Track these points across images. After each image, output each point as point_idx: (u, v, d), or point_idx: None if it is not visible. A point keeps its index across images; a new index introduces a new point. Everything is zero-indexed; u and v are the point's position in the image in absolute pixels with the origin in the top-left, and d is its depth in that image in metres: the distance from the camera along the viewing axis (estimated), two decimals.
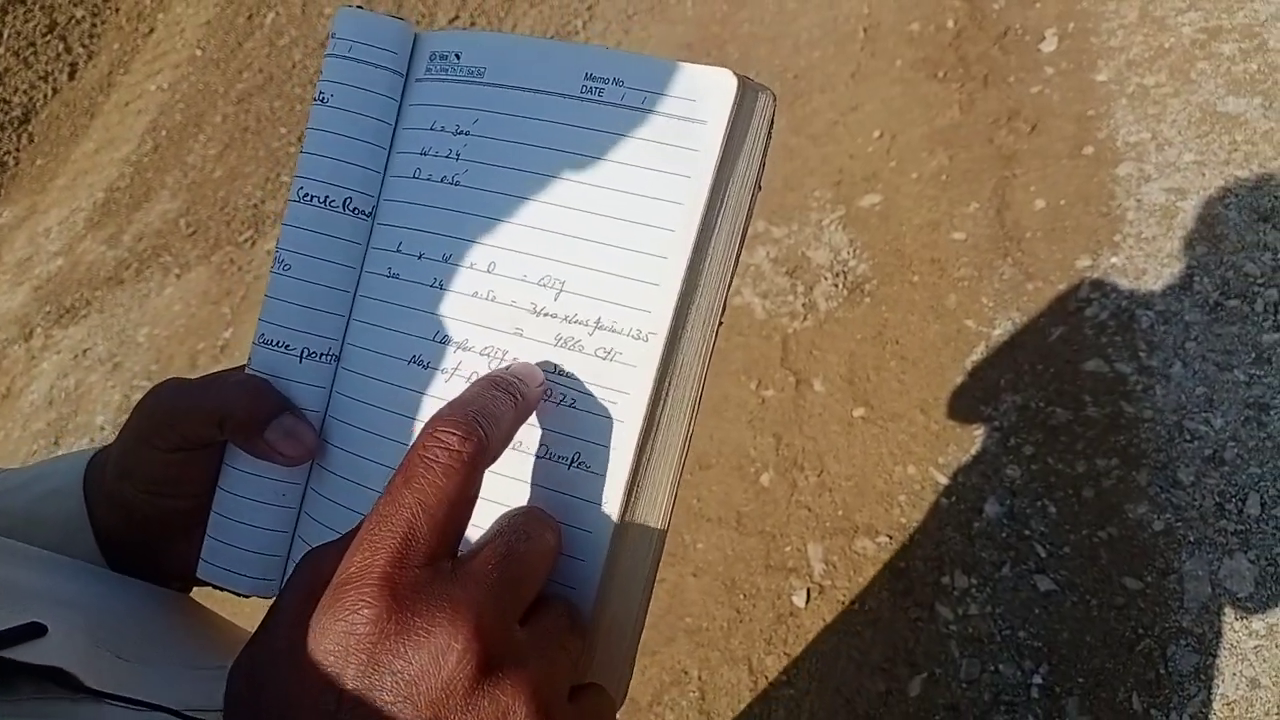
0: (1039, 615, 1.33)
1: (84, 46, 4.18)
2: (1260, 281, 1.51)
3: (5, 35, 4.19)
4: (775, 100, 0.35)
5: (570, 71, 0.36)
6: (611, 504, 0.34)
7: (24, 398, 2.72)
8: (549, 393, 0.35)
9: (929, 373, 1.67)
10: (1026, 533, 1.41)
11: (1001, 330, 1.66)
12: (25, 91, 4.05)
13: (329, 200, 0.39)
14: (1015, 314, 1.67)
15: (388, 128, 0.40)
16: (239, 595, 0.42)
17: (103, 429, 2.47)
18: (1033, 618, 1.33)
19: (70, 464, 0.46)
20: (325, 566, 0.31)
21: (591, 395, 0.35)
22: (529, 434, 0.35)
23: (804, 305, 1.86)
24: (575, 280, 0.35)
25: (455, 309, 0.37)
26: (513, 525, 0.31)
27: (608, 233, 0.35)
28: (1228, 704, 1.18)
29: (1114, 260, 1.65)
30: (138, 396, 2.47)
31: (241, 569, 0.41)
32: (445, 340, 0.37)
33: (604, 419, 0.35)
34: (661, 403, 0.35)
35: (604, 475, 0.35)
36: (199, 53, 3.75)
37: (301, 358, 0.40)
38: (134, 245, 3.04)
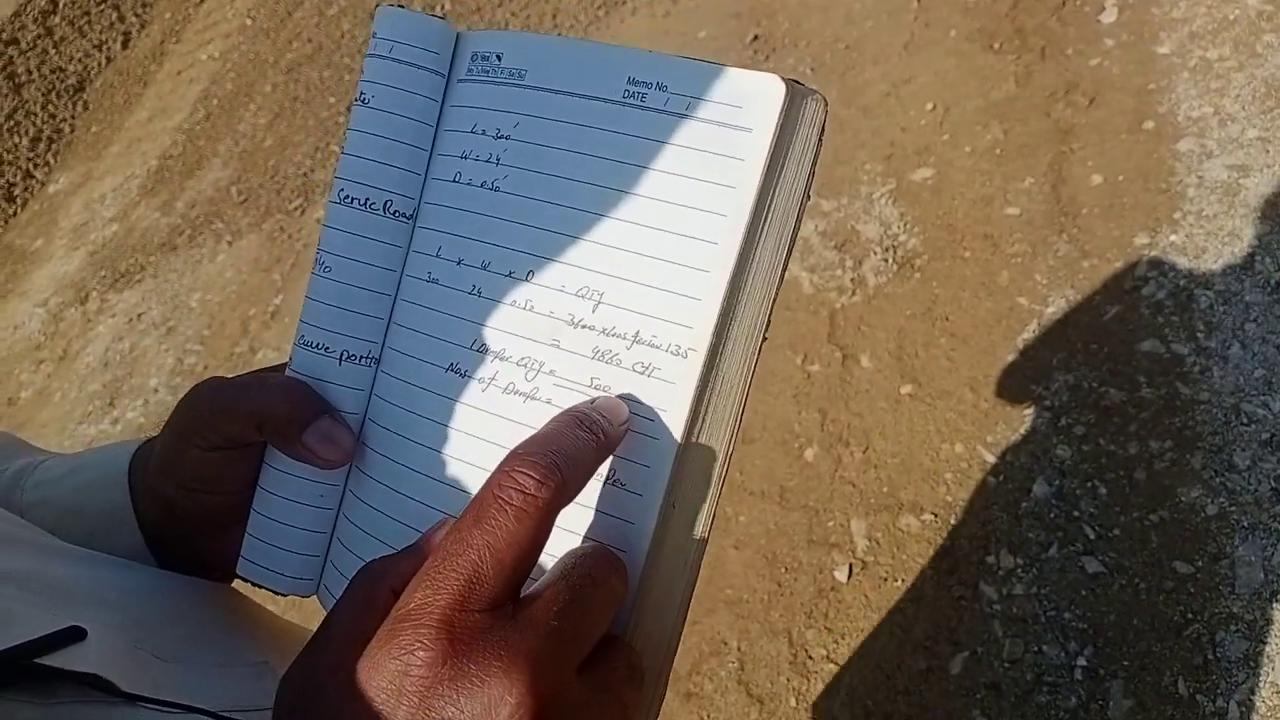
0: (1085, 597, 1.32)
1: (137, 15, 4.23)
2: None
3: (61, 4, 4.25)
4: (827, 105, 0.34)
5: (612, 75, 0.35)
6: (647, 523, 0.34)
7: (80, 360, 2.79)
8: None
9: (979, 350, 1.65)
10: (1075, 514, 1.40)
11: (1055, 308, 1.63)
12: (80, 60, 4.12)
13: (369, 203, 0.39)
14: (1069, 292, 1.64)
15: (429, 129, 0.39)
16: (277, 594, 0.42)
17: (156, 391, 2.52)
18: (1079, 599, 1.32)
19: (114, 455, 0.46)
20: (380, 583, 0.31)
21: (629, 412, 0.34)
22: None
23: (853, 280, 1.85)
24: (614, 292, 0.35)
25: (493, 317, 0.36)
26: (579, 567, 0.30)
27: (648, 244, 0.34)
28: (1277, 691, 1.16)
29: (1173, 238, 1.61)
30: (190, 360, 2.53)
31: (280, 568, 0.42)
32: (483, 349, 0.37)
33: (641, 436, 0.34)
34: (700, 421, 0.34)
35: (640, 494, 0.34)
36: (249, 22, 3.79)
37: (341, 360, 0.40)
38: (187, 212, 3.09)
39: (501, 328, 0.36)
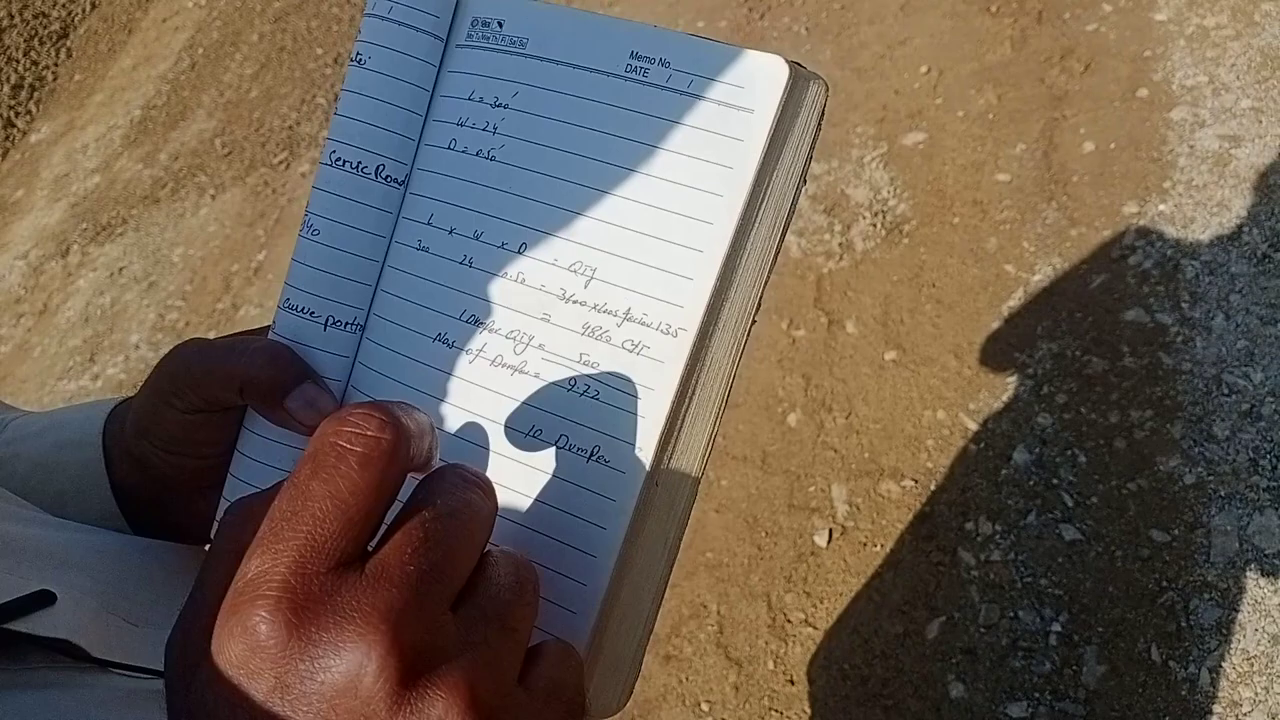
0: (1062, 564, 1.33)
1: None
2: None
3: None
4: (828, 90, 0.34)
5: (615, 49, 0.35)
6: (627, 501, 0.33)
7: (60, 314, 2.76)
8: (573, 382, 0.34)
9: (964, 317, 1.64)
10: (1055, 482, 1.40)
11: (1041, 276, 1.63)
12: (64, 6, 4.04)
13: (361, 166, 0.38)
14: (1056, 260, 1.63)
15: (425, 94, 0.39)
16: None
17: (137, 347, 2.50)
18: (1055, 566, 1.33)
19: (89, 414, 0.45)
20: (251, 525, 0.27)
21: (615, 388, 0.34)
22: (548, 422, 0.35)
23: (840, 245, 1.83)
24: (607, 268, 0.34)
25: (484, 289, 0.36)
26: (430, 499, 0.27)
27: (643, 221, 0.34)
28: (1248, 659, 1.18)
29: (1162, 207, 1.60)
30: (172, 316, 2.50)
31: None
32: (472, 320, 0.36)
33: (626, 414, 0.34)
34: (687, 400, 0.34)
35: (622, 471, 0.34)
36: None
37: (326, 325, 0.39)
38: (170, 164, 3.04)
39: (491, 299, 0.36)
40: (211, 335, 0.43)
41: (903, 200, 1.85)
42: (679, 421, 0.34)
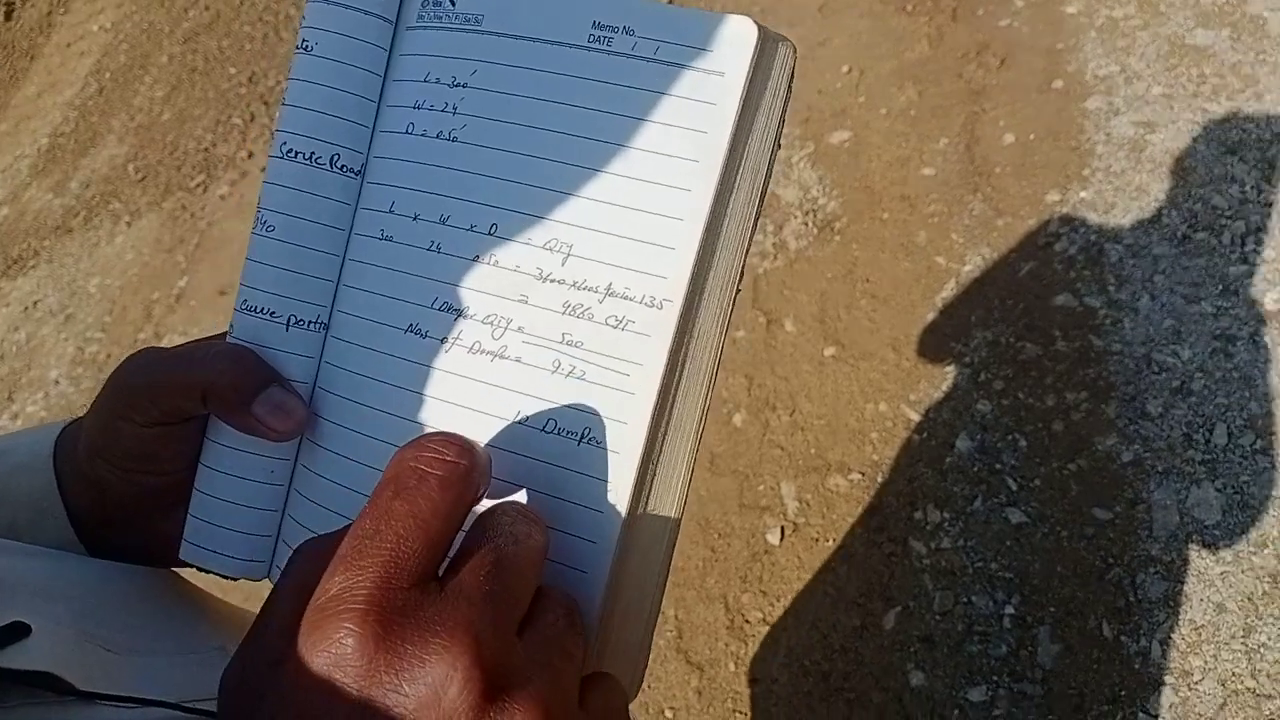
0: (1010, 547, 1.35)
1: None
2: (1228, 214, 1.52)
3: None
4: (796, 51, 0.33)
5: (576, 19, 0.34)
6: (624, 482, 0.32)
7: None
8: (556, 364, 0.33)
9: (900, 310, 1.66)
10: (998, 467, 1.43)
11: (971, 266, 1.66)
12: None
13: (315, 157, 0.37)
14: (985, 250, 1.66)
15: (377, 79, 0.37)
16: (225, 578, 0.40)
17: (57, 383, 2.40)
18: (1004, 550, 1.35)
19: (37, 438, 0.43)
20: (320, 564, 0.28)
21: (602, 367, 0.33)
22: (534, 407, 0.33)
23: (774, 245, 1.85)
24: (584, 244, 0.33)
25: (455, 274, 0.35)
26: (498, 527, 0.28)
27: (618, 193, 0.33)
28: (1195, 629, 1.21)
29: (1083, 194, 1.65)
30: (92, 349, 2.41)
31: (227, 550, 0.39)
32: (445, 308, 0.35)
33: (616, 391, 0.33)
34: (677, 373, 0.33)
35: (617, 451, 0.33)
36: None
37: (288, 325, 0.37)
38: (81, 192, 2.93)
39: (464, 284, 0.34)
40: None
41: (832, 198, 1.87)
42: (671, 395, 0.33)
